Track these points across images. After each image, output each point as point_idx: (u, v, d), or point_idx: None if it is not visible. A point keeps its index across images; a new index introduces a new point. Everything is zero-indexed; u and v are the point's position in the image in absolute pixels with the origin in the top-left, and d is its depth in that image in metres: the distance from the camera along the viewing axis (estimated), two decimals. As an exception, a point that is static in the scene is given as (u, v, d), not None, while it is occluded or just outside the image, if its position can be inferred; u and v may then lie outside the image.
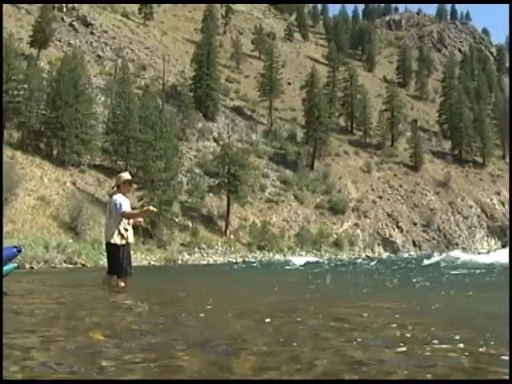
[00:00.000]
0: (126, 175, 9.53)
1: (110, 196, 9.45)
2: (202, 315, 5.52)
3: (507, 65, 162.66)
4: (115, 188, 9.41)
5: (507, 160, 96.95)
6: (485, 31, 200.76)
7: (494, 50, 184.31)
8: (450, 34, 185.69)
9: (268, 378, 2.56)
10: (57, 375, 2.90)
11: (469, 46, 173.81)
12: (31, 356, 3.34)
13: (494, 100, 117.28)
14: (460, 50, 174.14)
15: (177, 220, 54.09)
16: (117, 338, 4.02)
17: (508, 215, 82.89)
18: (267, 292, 10.17)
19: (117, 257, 9.07)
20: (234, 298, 8.98)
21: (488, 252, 64.29)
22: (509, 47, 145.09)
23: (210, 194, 61.78)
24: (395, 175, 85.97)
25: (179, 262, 43.42)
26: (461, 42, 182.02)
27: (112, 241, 9.04)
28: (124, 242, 9.14)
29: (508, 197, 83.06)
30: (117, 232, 9.07)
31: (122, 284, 9.06)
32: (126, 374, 2.95)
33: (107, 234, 9.17)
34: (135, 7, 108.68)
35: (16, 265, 9.17)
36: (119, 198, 9.14)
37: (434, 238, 77.69)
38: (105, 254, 9.67)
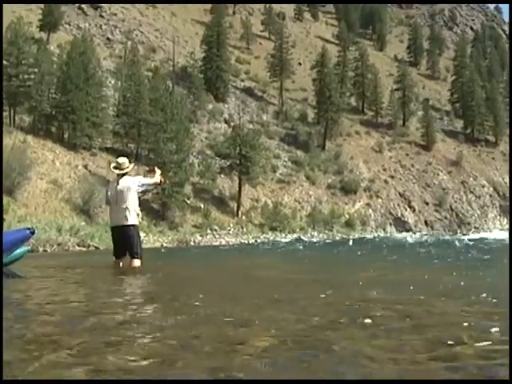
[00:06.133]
0: (122, 160, 9.61)
1: (117, 180, 9.37)
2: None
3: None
4: (118, 171, 9.41)
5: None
6: (497, 9, 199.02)
7: (506, 27, 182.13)
8: (462, 11, 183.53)
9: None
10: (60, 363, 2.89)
11: (481, 24, 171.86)
12: (37, 341, 3.34)
13: (506, 78, 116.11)
14: (472, 28, 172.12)
15: (189, 201, 54.28)
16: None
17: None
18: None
19: (134, 237, 9.05)
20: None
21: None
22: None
23: (222, 176, 61.86)
24: (407, 155, 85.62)
25: (191, 243, 43.58)
26: (473, 20, 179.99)
27: (131, 222, 9.03)
28: (138, 221, 9.22)
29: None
30: (135, 212, 9.09)
31: (139, 264, 9.03)
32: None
33: (119, 217, 9.07)
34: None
35: (28, 248, 9.23)
36: (132, 178, 9.23)
37: (446, 218, 77.50)
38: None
